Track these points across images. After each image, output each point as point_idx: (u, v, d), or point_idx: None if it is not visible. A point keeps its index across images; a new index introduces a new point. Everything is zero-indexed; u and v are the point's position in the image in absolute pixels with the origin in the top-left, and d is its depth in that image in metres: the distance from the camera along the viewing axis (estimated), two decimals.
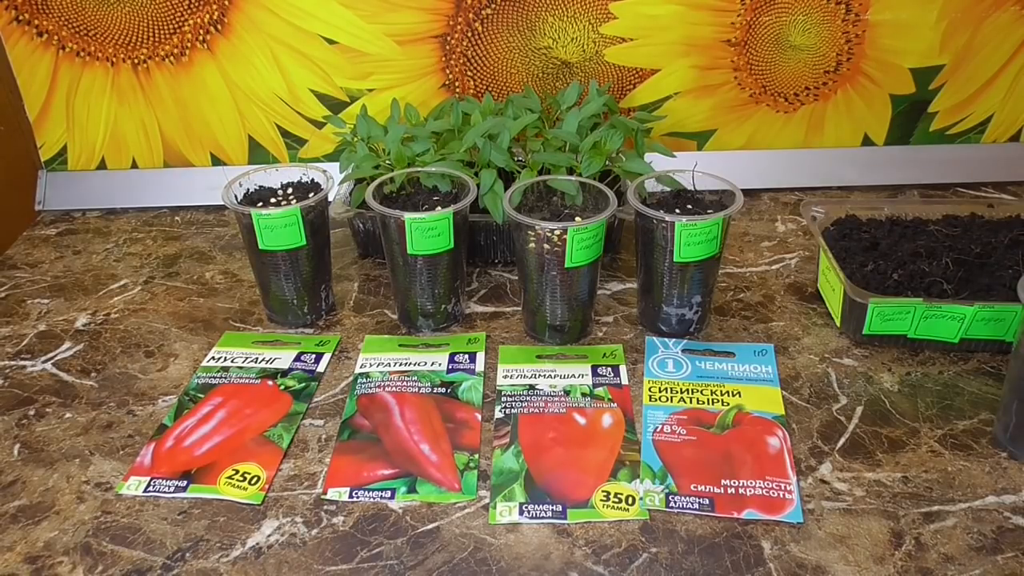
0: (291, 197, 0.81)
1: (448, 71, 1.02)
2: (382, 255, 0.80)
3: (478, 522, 0.59)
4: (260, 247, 0.76)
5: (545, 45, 1.01)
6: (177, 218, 1.04)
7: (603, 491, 0.61)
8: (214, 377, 0.74)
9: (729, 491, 0.61)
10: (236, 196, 0.79)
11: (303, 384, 0.73)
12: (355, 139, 0.89)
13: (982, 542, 0.57)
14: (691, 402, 0.70)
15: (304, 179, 0.83)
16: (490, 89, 1.03)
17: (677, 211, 0.76)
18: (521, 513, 0.60)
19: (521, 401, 0.70)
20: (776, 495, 0.60)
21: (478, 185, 0.80)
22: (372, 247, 0.93)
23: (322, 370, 0.75)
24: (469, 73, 1.02)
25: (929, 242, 0.80)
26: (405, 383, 0.73)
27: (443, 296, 0.78)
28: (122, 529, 0.59)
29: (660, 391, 0.71)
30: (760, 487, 0.61)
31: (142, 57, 1.00)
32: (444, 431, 0.68)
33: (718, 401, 0.70)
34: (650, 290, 0.77)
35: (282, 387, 0.73)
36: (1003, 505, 0.60)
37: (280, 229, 0.75)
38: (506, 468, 0.64)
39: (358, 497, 0.62)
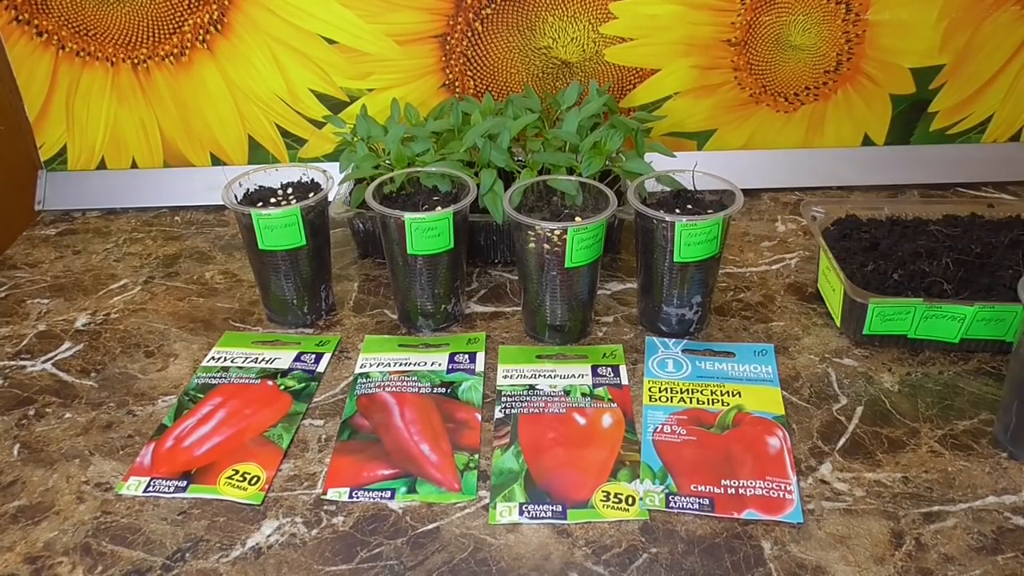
0: (291, 197, 0.81)
1: (448, 71, 1.02)
2: (382, 255, 0.80)
3: (478, 522, 0.59)
4: (260, 247, 0.76)
5: (545, 45, 1.01)
6: (177, 218, 1.04)
7: (603, 491, 0.61)
8: (214, 377, 0.74)
9: (729, 491, 0.61)
10: (236, 196, 0.79)
11: (303, 384, 0.73)
12: (355, 139, 0.89)
13: (982, 542, 0.57)
14: (691, 402, 0.70)
15: (304, 179, 0.83)
16: (490, 89, 1.03)
17: (677, 211, 0.76)
18: (521, 513, 0.60)
19: (521, 401, 0.70)
20: (776, 495, 0.60)
21: (478, 185, 0.80)
22: (372, 247, 0.93)
23: (322, 370, 0.75)
24: (469, 73, 1.02)
25: (929, 242, 0.79)
26: (405, 383, 0.73)
27: (443, 296, 0.78)
28: (122, 529, 0.59)
29: (660, 391, 0.71)
30: (760, 487, 0.61)
31: (142, 57, 1.00)
32: (444, 431, 0.68)
33: (718, 401, 0.70)
34: (650, 290, 0.77)
35: (282, 387, 0.73)
36: (1003, 505, 0.60)
37: (280, 229, 0.75)
38: (506, 468, 0.64)
39: (358, 497, 0.61)
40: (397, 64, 1.01)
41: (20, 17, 0.98)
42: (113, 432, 0.69)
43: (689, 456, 0.64)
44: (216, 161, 1.07)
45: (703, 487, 0.61)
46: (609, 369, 0.74)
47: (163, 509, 0.61)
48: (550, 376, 0.73)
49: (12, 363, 0.77)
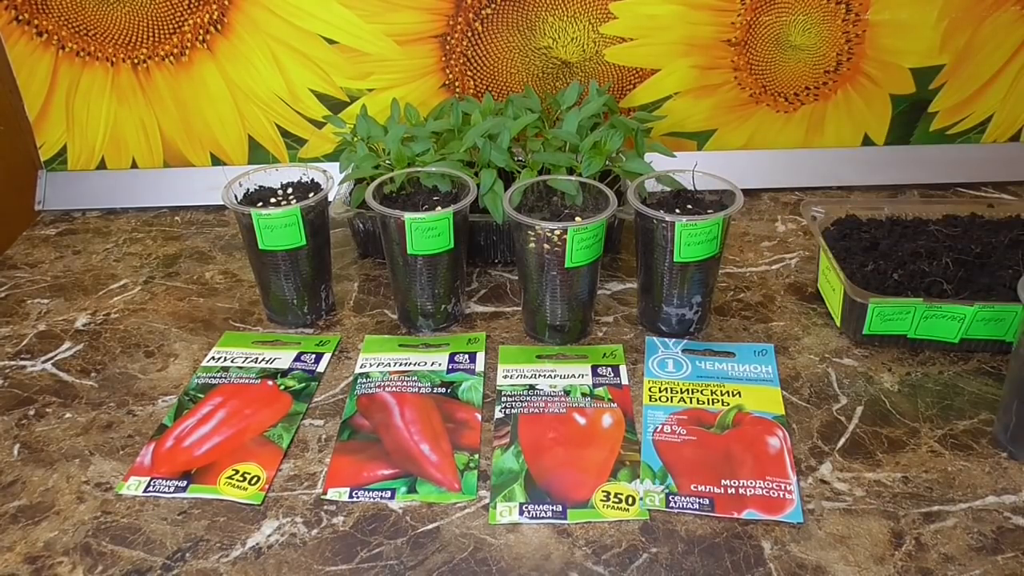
0: (291, 197, 0.81)
1: (448, 71, 1.02)
2: (382, 255, 0.80)
3: (478, 522, 0.59)
4: (260, 247, 0.76)
5: (545, 45, 1.01)
6: (177, 218, 1.04)
7: (603, 491, 0.61)
8: (214, 377, 0.74)
9: (729, 491, 0.61)
10: (236, 196, 0.79)
11: (303, 384, 0.73)
12: (355, 139, 0.89)
13: (982, 542, 0.57)
14: (691, 402, 0.70)
15: (304, 179, 0.83)
16: (490, 89, 1.03)
17: (677, 211, 0.76)
18: (521, 513, 0.60)
19: (521, 401, 0.70)
20: (776, 495, 0.60)
21: (478, 185, 0.80)
22: (372, 247, 0.93)
23: (322, 370, 0.75)
24: (469, 73, 1.02)
25: (929, 242, 0.80)
26: (405, 383, 0.73)
27: (443, 296, 0.78)
28: (122, 529, 0.59)
29: (660, 391, 0.71)
30: (760, 487, 0.61)
31: (142, 57, 1.00)
32: (444, 431, 0.68)
33: (718, 401, 0.70)
34: (650, 290, 0.77)
35: (282, 387, 0.73)
36: (1003, 505, 0.60)
37: (280, 229, 0.75)
38: (506, 468, 0.64)
39: (358, 497, 0.62)
40: (397, 64, 1.01)
41: (20, 17, 0.98)
42: (113, 432, 0.69)
43: (689, 456, 0.64)
44: (216, 161, 1.07)
45: (703, 487, 0.61)
46: (609, 369, 0.74)
47: (163, 509, 0.61)
48: (550, 376, 0.73)
49: (12, 363, 0.77)
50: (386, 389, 0.72)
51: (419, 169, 0.82)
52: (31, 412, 0.71)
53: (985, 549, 0.56)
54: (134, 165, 1.07)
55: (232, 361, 0.76)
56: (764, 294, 0.85)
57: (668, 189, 0.79)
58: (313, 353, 0.77)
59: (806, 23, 1.00)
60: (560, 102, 0.92)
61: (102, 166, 1.07)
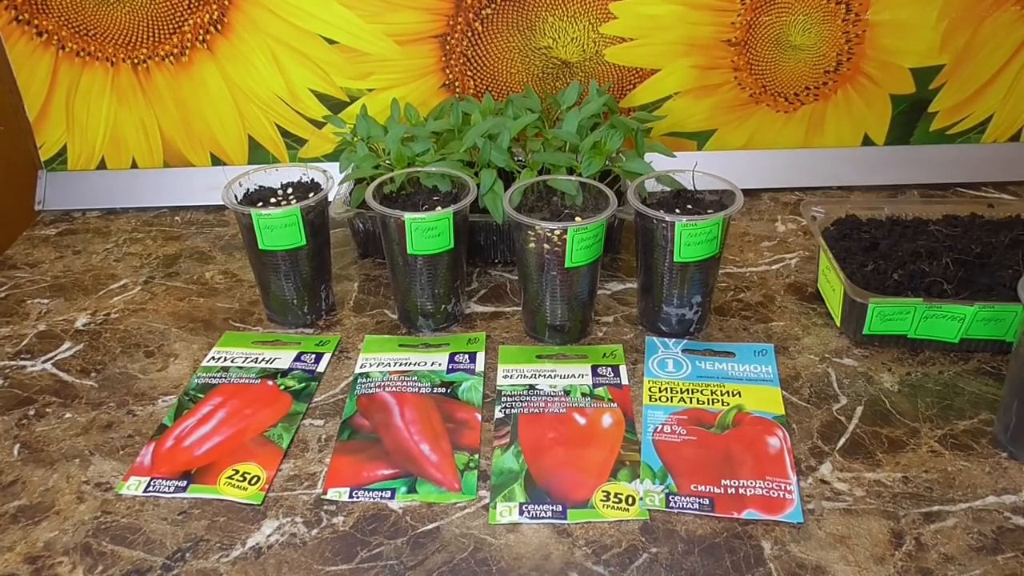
0: (291, 197, 0.81)
1: (448, 71, 1.02)
2: (382, 255, 0.80)
3: (478, 522, 0.59)
4: (260, 247, 0.76)
5: (545, 45, 1.01)
6: (177, 218, 1.04)
7: (603, 491, 0.61)
8: (214, 377, 0.74)
9: (729, 491, 0.61)
10: (236, 196, 0.79)
11: (303, 384, 0.73)
12: (355, 139, 0.89)
13: (982, 542, 0.57)
14: (691, 402, 0.70)
15: (304, 179, 0.83)
16: (490, 89, 1.03)
17: (677, 211, 0.76)
18: (521, 513, 0.60)
19: (521, 401, 0.70)
20: (776, 495, 0.60)
21: (478, 185, 0.80)
22: (372, 247, 0.93)
23: (322, 370, 0.75)
24: (469, 73, 1.02)
25: (929, 242, 0.80)
26: (405, 383, 0.73)
27: (443, 296, 0.78)
28: (122, 529, 0.59)
29: (660, 391, 0.71)
30: (760, 487, 0.61)
31: (142, 57, 1.00)
32: (444, 431, 0.68)
33: (718, 401, 0.70)
34: (650, 290, 0.77)
35: (282, 387, 0.73)
36: (1003, 505, 0.60)
37: (280, 229, 0.75)
38: (506, 468, 0.64)
39: (358, 497, 0.62)
40: (397, 64, 1.01)
41: (20, 17, 0.98)
42: (113, 432, 0.69)
43: (689, 456, 0.64)
44: (216, 161, 1.07)
45: (703, 487, 0.61)
46: (609, 369, 0.74)
47: (163, 509, 0.61)
48: (550, 376, 0.73)
49: (12, 363, 0.77)
50: (386, 389, 0.72)
51: (419, 169, 0.82)
52: (31, 412, 0.71)
53: (985, 549, 0.56)
54: (134, 165, 1.07)
55: (232, 361, 0.76)
56: (764, 294, 0.85)
57: (668, 189, 0.79)
58: (313, 353, 0.77)
59: (806, 23, 1.00)
60: (560, 102, 0.92)
61: (102, 166, 1.07)
